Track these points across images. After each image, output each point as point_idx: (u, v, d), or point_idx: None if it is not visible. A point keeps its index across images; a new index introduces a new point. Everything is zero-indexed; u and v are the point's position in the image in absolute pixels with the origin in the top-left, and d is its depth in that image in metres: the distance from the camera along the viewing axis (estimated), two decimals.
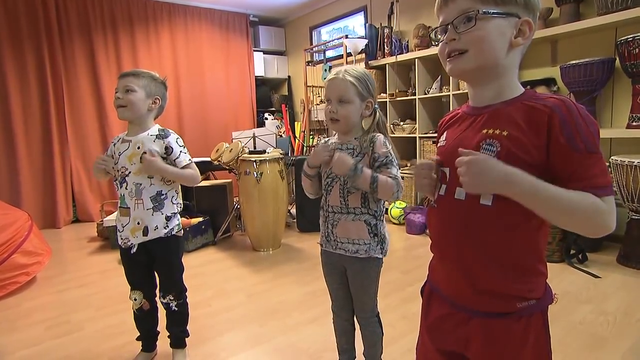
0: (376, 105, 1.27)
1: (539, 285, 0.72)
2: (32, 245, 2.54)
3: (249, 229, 3.07)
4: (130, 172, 1.47)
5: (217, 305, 2.15)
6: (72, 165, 4.24)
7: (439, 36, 0.73)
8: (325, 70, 4.72)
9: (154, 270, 1.59)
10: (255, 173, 2.90)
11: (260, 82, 5.74)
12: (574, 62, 2.68)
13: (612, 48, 2.69)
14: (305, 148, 5.13)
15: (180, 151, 1.51)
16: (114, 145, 1.53)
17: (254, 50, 5.54)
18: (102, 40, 4.38)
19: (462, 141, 0.74)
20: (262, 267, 2.70)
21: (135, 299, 1.57)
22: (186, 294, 1.64)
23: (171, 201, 1.53)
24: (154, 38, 4.73)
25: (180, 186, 1.62)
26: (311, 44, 5.39)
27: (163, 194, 1.51)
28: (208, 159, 4.08)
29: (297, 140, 5.22)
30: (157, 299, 1.62)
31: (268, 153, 3.07)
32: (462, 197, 0.72)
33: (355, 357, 1.44)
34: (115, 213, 3.09)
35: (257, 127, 5.53)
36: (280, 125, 5.60)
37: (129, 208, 1.48)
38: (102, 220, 3.38)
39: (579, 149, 0.63)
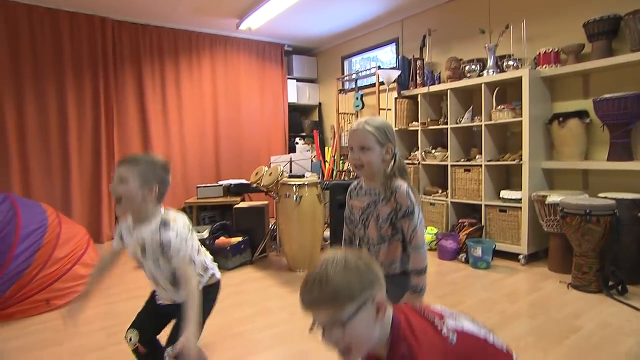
0: (396, 151, 1.39)
1: None
2: (90, 257, 2.73)
3: (286, 250, 3.20)
4: (142, 262, 1.41)
5: (261, 322, 2.26)
6: None
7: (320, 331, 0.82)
8: (357, 98, 4.91)
9: (169, 320, 1.48)
10: (294, 196, 3.05)
11: (292, 108, 5.99)
12: (607, 95, 2.76)
13: None
14: (335, 172, 5.28)
15: (179, 250, 1.32)
16: (122, 229, 1.46)
17: (288, 78, 5.82)
18: (149, 68, 4.73)
19: None
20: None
21: (130, 339, 1.45)
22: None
23: None
24: (196, 66, 5.06)
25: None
26: (342, 72, 5.63)
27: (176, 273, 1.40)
28: (244, 181, 4.29)
29: (327, 165, 5.38)
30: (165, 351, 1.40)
31: (307, 177, 3.23)
32: None
33: None
34: None
35: (289, 151, 5.75)
36: (310, 150, 5.79)
37: (159, 280, 1.43)
38: None
39: None
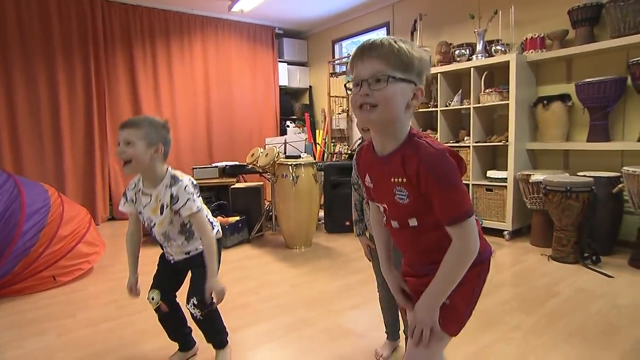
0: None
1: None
2: (92, 236, 2.80)
3: (283, 228, 3.31)
4: (155, 224, 1.47)
5: (264, 293, 2.38)
6: (110, 166, 4.52)
7: (351, 88, 0.87)
8: (349, 81, 4.98)
9: (184, 275, 1.61)
10: (291, 176, 3.15)
11: (284, 91, 6.03)
12: (588, 80, 2.91)
13: (624, 68, 2.92)
14: (326, 155, 5.38)
15: (188, 199, 1.42)
16: (135, 193, 1.52)
17: (279, 61, 5.84)
18: (141, 49, 4.70)
19: (382, 186, 0.94)
20: (298, 263, 2.94)
21: (152, 298, 1.55)
22: (213, 306, 1.54)
23: None
24: (187, 48, 5.04)
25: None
26: (333, 56, 5.68)
27: (186, 224, 1.50)
28: (237, 163, 4.36)
29: (318, 147, 5.48)
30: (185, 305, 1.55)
31: (302, 158, 3.32)
32: (397, 225, 0.95)
33: (398, 330, 1.68)
34: None
35: (280, 134, 5.81)
36: (302, 132, 5.87)
37: (165, 246, 1.54)
38: None
39: (439, 184, 0.82)
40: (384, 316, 1.68)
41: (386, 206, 0.96)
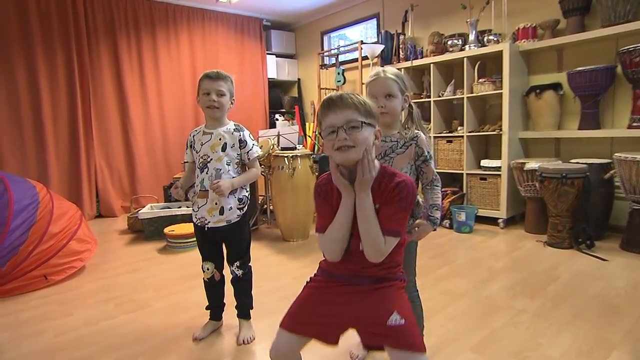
0: (411, 100, 1.45)
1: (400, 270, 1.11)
2: (83, 233, 2.69)
3: (280, 221, 3.27)
4: (211, 159, 1.67)
5: (267, 286, 2.35)
6: (96, 163, 4.38)
7: (326, 135, 1.00)
8: (339, 73, 4.96)
9: (220, 246, 1.78)
10: (288, 168, 3.10)
11: (272, 84, 5.94)
12: (580, 68, 2.96)
13: (613, 56, 2.98)
14: (317, 147, 5.34)
15: (253, 144, 1.73)
16: (194, 136, 1.74)
17: (267, 54, 5.75)
18: (125, 41, 4.54)
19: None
20: (298, 255, 2.91)
21: (207, 269, 1.77)
22: (250, 264, 1.80)
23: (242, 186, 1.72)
24: (173, 40, 4.90)
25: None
26: (322, 48, 5.63)
27: (236, 176, 1.69)
28: None
29: (309, 139, 5.43)
30: (225, 271, 1.78)
31: (298, 150, 3.28)
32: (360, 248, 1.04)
33: None
34: (148, 206, 3.54)
35: (270, 127, 5.74)
36: (291, 125, 5.80)
37: (208, 191, 1.65)
38: (136, 213, 3.51)
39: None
40: None
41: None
